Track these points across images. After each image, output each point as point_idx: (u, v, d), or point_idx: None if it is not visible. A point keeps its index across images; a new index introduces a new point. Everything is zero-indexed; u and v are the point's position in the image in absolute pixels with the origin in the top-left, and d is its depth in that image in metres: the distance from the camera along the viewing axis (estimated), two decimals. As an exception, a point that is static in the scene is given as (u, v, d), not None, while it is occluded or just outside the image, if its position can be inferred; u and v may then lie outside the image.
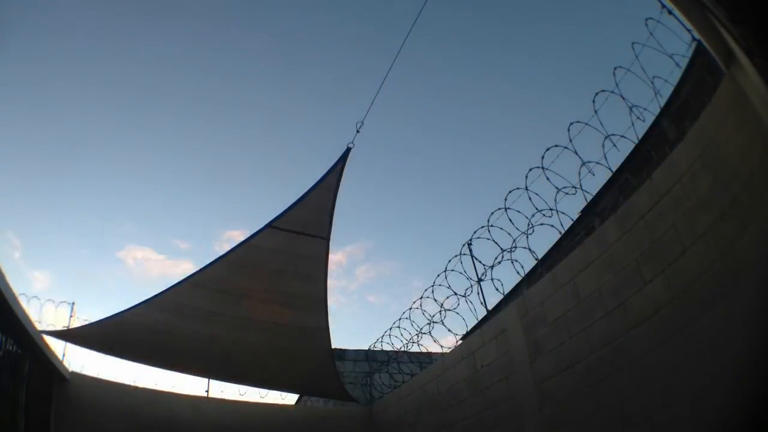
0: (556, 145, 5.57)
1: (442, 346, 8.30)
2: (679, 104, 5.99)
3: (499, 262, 6.72)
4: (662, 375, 3.84)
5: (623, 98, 4.96)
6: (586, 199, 5.77)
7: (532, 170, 5.74)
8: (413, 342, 8.94)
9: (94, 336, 7.88)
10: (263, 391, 10.17)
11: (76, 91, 24.31)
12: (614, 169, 6.16)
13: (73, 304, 8.44)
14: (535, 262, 6.72)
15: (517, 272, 6.63)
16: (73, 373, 7.84)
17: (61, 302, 8.12)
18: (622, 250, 4.43)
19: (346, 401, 10.01)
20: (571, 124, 5.34)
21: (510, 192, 6.12)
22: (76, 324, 7.98)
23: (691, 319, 3.62)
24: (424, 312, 8.18)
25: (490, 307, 7.46)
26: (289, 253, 7.57)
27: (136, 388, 8.64)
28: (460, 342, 7.70)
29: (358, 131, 6.12)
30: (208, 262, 7.27)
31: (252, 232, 7.21)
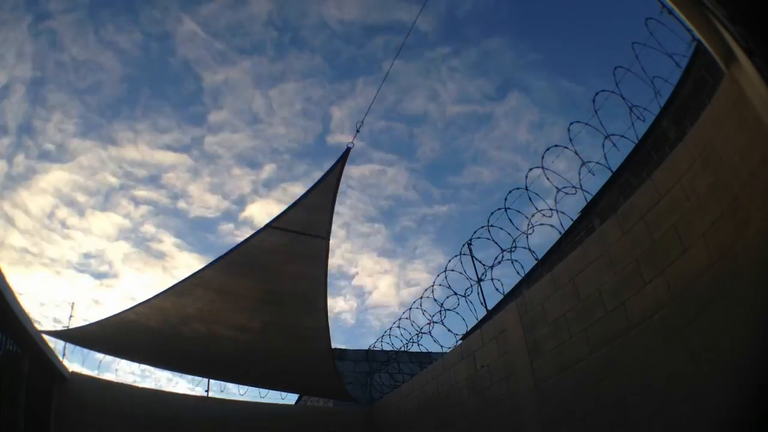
0: (556, 145, 5.59)
1: (442, 346, 8.29)
2: (679, 104, 5.98)
3: (499, 262, 6.72)
4: (662, 375, 3.84)
5: (623, 98, 4.97)
6: (586, 199, 5.78)
7: (532, 170, 5.75)
8: (413, 342, 8.95)
9: (94, 336, 7.89)
10: (263, 391, 10.19)
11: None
12: (614, 169, 6.16)
13: (72, 304, 8.46)
14: (535, 262, 6.73)
15: (517, 272, 6.65)
16: (73, 373, 7.83)
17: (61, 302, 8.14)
18: (622, 250, 4.43)
19: (346, 401, 10.02)
20: (571, 124, 5.35)
21: (510, 192, 6.14)
22: (75, 324, 8.00)
23: (691, 319, 3.61)
24: (424, 312, 8.19)
25: (490, 307, 7.46)
26: (289, 253, 7.57)
27: (136, 388, 8.64)
28: (460, 342, 7.70)
29: (358, 131, 6.11)
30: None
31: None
